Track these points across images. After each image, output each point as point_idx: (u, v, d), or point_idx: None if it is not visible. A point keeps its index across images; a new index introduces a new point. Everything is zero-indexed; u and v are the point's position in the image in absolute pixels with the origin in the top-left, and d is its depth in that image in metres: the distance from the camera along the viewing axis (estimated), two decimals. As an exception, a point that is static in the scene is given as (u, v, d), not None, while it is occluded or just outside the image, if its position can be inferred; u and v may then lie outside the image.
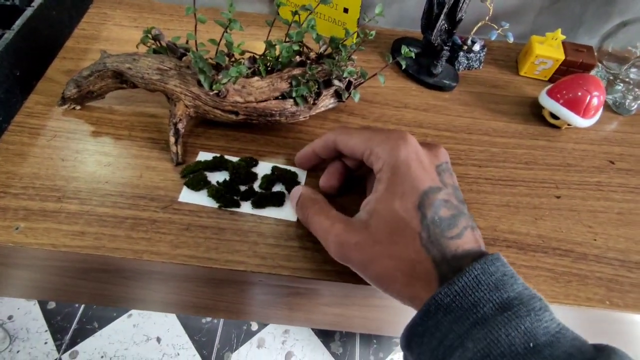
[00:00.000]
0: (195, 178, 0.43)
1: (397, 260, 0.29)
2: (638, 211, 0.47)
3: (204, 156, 0.46)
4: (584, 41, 0.66)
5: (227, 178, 0.44)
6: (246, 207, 0.42)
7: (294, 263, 0.39)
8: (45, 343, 1.27)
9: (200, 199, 0.42)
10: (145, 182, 0.43)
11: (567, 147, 0.53)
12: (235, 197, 0.42)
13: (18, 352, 1.24)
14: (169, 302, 0.58)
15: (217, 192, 0.42)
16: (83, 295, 0.55)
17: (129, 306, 0.61)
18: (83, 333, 1.28)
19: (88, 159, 0.44)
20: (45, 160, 0.44)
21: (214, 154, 0.46)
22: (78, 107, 0.48)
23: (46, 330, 1.30)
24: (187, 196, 0.42)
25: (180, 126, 0.44)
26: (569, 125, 0.53)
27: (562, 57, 0.58)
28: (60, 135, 0.46)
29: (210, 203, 0.42)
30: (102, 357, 1.25)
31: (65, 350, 1.25)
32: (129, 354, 1.26)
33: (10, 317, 1.30)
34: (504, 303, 0.25)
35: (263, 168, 0.46)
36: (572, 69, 0.59)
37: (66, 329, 1.30)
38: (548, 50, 0.58)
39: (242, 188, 0.44)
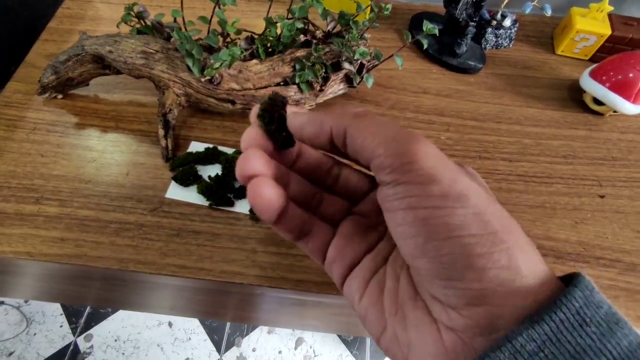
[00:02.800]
0: (184, 172, 0.38)
1: None
2: (696, 213, 0.41)
3: (196, 147, 0.41)
4: (635, 12, 0.58)
5: (220, 172, 0.39)
6: (241, 206, 0.37)
7: (297, 275, 0.34)
8: (61, 326, 1.29)
9: (189, 195, 0.38)
10: (132, 181, 0.39)
11: (611, 137, 0.47)
12: (228, 195, 0.38)
13: (35, 334, 1.26)
14: (170, 307, 0.55)
15: (207, 189, 0.37)
16: (80, 299, 0.52)
17: (128, 309, 0.58)
18: (97, 317, 1.29)
19: (70, 154, 0.40)
20: (22, 157, 0.39)
21: (207, 145, 0.41)
22: (60, 96, 0.43)
23: (61, 314, 1.31)
24: (175, 192, 0.38)
25: (170, 117, 0.39)
26: (614, 112, 0.46)
27: (608, 32, 0.50)
28: (40, 127, 0.42)
29: (200, 200, 0.37)
30: (115, 340, 1.26)
31: (80, 334, 1.27)
32: (142, 337, 1.26)
33: (26, 301, 1.32)
34: (628, 355, 0.16)
35: (264, 163, 0.41)
36: (619, 45, 0.51)
37: (80, 312, 1.31)
38: (591, 24, 0.51)
39: (237, 184, 0.39)
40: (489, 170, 0.43)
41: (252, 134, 0.21)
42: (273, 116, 0.20)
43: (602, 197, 0.42)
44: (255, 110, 0.21)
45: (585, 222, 0.40)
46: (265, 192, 0.19)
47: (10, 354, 1.19)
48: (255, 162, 0.20)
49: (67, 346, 1.24)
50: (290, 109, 0.21)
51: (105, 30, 0.51)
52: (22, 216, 0.36)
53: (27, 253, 0.34)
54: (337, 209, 0.24)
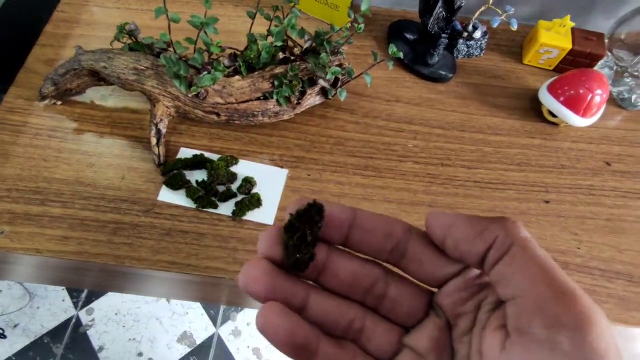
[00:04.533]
0: (174, 177, 0.43)
1: None
2: (627, 217, 0.46)
3: (185, 153, 0.45)
4: (597, 25, 0.61)
5: (206, 178, 0.43)
6: (224, 209, 0.42)
7: (271, 270, 0.40)
8: (63, 300, 1.36)
9: (179, 198, 0.43)
10: (128, 185, 0.43)
11: (563, 146, 0.51)
12: (212, 198, 0.42)
13: (38, 307, 1.33)
14: (164, 292, 0.61)
15: (194, 193, 0.42)
16: (83, 284, 0.58)
17: (128, 293, 0.64)
18: (97, 292, 1.36)
19: (70, 158, 0.44)
20: (27, 161, 0.44)
21: (195, 152, 0.45)
22: (59, 103, 0.47)
23: (63, 289, 1.38)
24: (166, 195, 0.43)
25: (161, 126, 0.43)
26: (566, 123, 0.51)
27: (568, 46, 0.54)
28: (42, 133, 0.46)
29: (188, 203, 0.42)
30: (115, 314, 1.33)
31: (81, 307, 1.34)
32: (141, 312, 1.34)
33: (27, 277, 1.39)
34: None
35: (244, 167, 0.45)
36: (579, 58, 0.55)
37: (81, 288, 1.38)
38: (554, 38, 0.54)
39: (221, 188, 0.43)
40: (450, 176, 0.48)
41: (265, 241, 0.18)
42: (297, 232, 0.17)
43: (547, 202, 0.47)
44: (289, 208, 0.18)
45: (529, 225, 0.45)
46: (265, 319, 0.16)
47: (15, 325, 1.26)
48: (254, 280, 0.17)
49: (70, 319, 1.30)
50: (332, 220, 0.18)
51: (99, 34, 0.54)
52: (30, 216, 0.40)
53: (35, 250, 0.39)
54: (386, 340, 0.18)
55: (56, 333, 1.27)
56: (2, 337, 1.19)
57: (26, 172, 0.43)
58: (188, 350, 1.22)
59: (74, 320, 1.31)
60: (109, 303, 1.37)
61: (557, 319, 0.14)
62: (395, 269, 0.19)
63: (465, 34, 0.55)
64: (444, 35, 0.53)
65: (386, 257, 0.18)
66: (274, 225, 0.19)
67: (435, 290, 0.19)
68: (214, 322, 1.26)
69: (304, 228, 0.17)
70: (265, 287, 0.17)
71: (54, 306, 1.36)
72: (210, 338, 1.24)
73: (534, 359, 0.14)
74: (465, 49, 0.57)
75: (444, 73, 0.55)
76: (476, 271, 0.18)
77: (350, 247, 0.19)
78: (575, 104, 0.48)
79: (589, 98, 0.47)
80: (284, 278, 0.17)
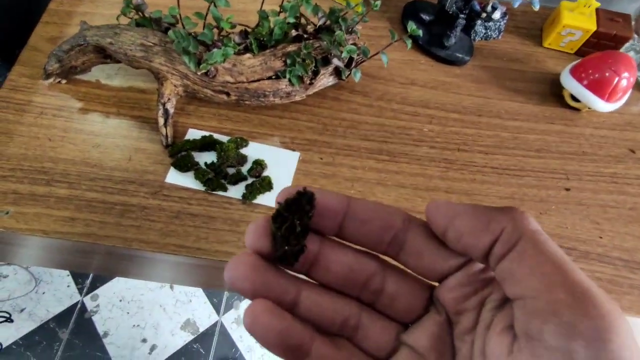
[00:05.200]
0: (182, 159, 0.42)
1: None
2: (652, 207, 0.45)
3: (193, 134, 0.44)
4: (623, 6, 0.59)
5: (215, 160, 0.42)
6: (234, 192, 0.41)
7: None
8: (68, 286, 1.36)
9: (187, 180, 0.41)
10: (135, 166, 0.42)
11: (584, 132, 0.49)
12: (222, 181, 0.41)
13: (44, 293, 1.34)
14: (169, 278, 0.60)
15: (203, 175, 0.41)
16: (89, 268, 0.57)
17: (130, 277, 0.63)
18: (101, 279, 1.36)
19: (76, 138, 0.43)
20: (32, 140, 0.42)
21: (204, 133, 0.44)
22: (64, 81, 0.46)
23: (68, 275, 1.39)
24: (174, 177, 0.41)
25: (169, 106, 0.42)
26: (589, 108, 0.49)
27: (593, 27, 0.52)
28: (47, 112, 0.44)
29: (197, 185, 0.41)
30: (120, 300, 1.34)
31: (86, 293, 1.35)
32: (145, 298, 1.34)
33: (33, 263, 1.39)
34: None
35: (254, 149, 0.44)
36: (604, 41, 0.53)
37: (86, 274, 1.39)
38: (578, 19, 0.52)
39: (231, 171, 0.42)
40: (466, 162, 0.46)
41: (253, 233, 0.16)
42: (286, 222, 0.16)
43: (567, 190, 0.45)
44: (278, 197, 0.16)
45: (549, 213, 0.44)
46: (253, 319, 0.15)
47: (22, 310, 1.27)
48: (241, 276, 0.15)
49: (75, 305, 1.31)
50: (322, 209, 0.16)
51: (104, 12, 0.53)
52: (36, 197, 0.39)
53: (42, 231, 0.38)
54: (383, 338, 0.17)
55: (61, 318, 1.28)
56: (9, 321, 1.20)
57: (31, 151, 0.42)
58: (191, 337, 1.23)
59: (79, 305, 1.32)
60: (113, 290, 1.38)
61: (573, 326, 0.12)
62: (393, 262, 0.18)
63: (484, 14, 0.53)
64: (461, 16, 0.51)
65: (384, 249, 0.17)
66: (262, 216, 0.16)
67: (435, 284, 0.17)
68: (217, 310, 1.27)
69: (293, 218, 0.16)
70: (253, 284, 0.15)
71: (59, 292, 1.37)
72: (214, 326, 1.24)
73: None
74: (483, 31, 0.55)
75: (460, 56, 0.53)
76: (480, 265, 0.17)
77: (344, 239, 0.17)
78: (600, 88, 0.46)
79: (615, 82, 0.45)
80: (273, 273, 0.16)
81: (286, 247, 0.16)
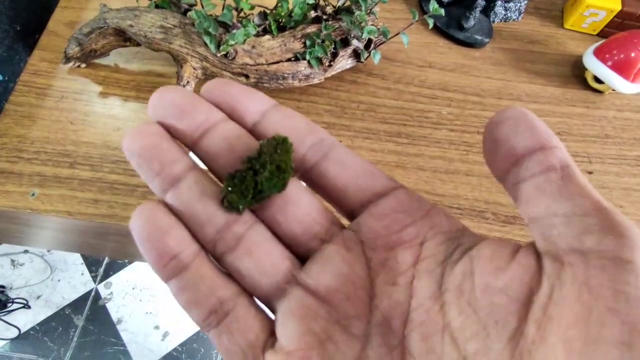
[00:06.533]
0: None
1: None
2: (677, 190, 0.44)
3: (214, 120, 0.44)
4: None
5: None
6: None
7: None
8: (82, 274, 1.39)
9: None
10: (155, 149, 0.42)
11: (607, 115, 0.48)
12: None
13: (59, 281, 1.36)
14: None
15: None
16: (105, 251, 0.58)
17: (145, 261, 0.64)
18: (115, 267, 1.38)
19: (96, 122, 0.43)
20: (54, 124, 0.43)
21: (224, 118, 0.44)
22: (83, 65, 0.46)
23: (82, 263, 1.41)
24: (194, 159, 0.41)
25: (188, 89, 0.42)
26: (613, 90, 0.48)
27: (617, 7, 0.50)
28: (68, 96, 0.45)
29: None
30: (133, 288, 1.36)
31: (100, 281, 1.37)
32: (157, 286, 1.37)
33: (49, 250, 1.42)
34: None
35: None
36: (629, 22, 0.51)
37: (99, 262, 1.41)
38: (602, -1, 0.51)
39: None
40: (486, 145, 0.46)
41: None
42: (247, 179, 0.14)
43: (590, 173, 0.45)
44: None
45: (570, 196, 0.43)
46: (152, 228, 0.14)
47: (38, 297, 1.29)
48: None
49: (89, 292, 1.33)
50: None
51: (120, -3, 0.53)
52: (60, 179, 0.40)
53: (67, 212, 0.38)
54: (273, 271, 0.14)
55: (76, 305, 1.30)
56: (26, 307, 1.22)
57: (53, 135, 0.42)
58: (205, 324, 1.25)
59: (93, 293, 1.34)
60: (127, 277, 1.40)
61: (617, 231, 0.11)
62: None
63: (505, -5, 0.52)
64: (482, -4, 0.50)
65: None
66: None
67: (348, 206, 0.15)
68: (229, 299, 1.28)
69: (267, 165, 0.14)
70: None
71: (73, 279, 1.40)
72: (227, 313, 1.26)
73: (605, 278, 0.10)
74: (503, 12, 0.54)
75: (479, 38, 0.52)
76: (409, 193, 0.14)
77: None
78: (625, 69, 0.45)
79: (640, 62, 0.44)
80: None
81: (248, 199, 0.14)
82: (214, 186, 0.15)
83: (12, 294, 1.24)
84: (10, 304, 1.19)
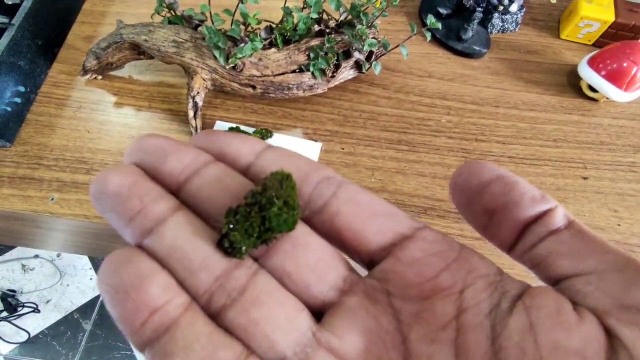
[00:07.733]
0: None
1: None
2: (671, 195, 0.45)
3: (221, 126, 0.46)
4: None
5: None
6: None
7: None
8: (90, 279, 1.41)
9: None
10: (167, 156, 0.44)
11: (602, 122, 0.50)
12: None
13: (68, 285, 1.39)
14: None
15: None
16: (105, 253, 0.60)
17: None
18: (122, 272, 1.41)
19: (112, 130, 0.46)
20: (72, 132, 0.45)
21: (231, 125, 0.46)
22: (99, 77, 0.49)
23: (90, 268, 1.44)
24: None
25: (198, 99, 0.44)
26: (607, 98, 0.49)
27: (611, 18, 0.52)
28: (85, 106, 0.47)
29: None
30: (140, 293, 1.38)
31: (108, 286, 1.39)
32: (164, 292, 1.39)
33: (58, 255, 1.45)
34: None
35: (278, 140, 0.46)
36: (622, 32, 0.53)
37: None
38: (596, 10, 0.52)
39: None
40: (484, 152, 0.47)
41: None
42: (251, 216, 0.12)
43: (585, 179, 0.46)
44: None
45: (566, 201, 0.44)
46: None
47: (48, 301, 1.31)
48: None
49: (97, 297, 1.35)
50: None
51: (135, 11, 0.55)
52: (77, 184, 0.42)
53: (84, 216, 0.40)
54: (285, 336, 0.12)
55: (85, 310, 1.32)
56: (36, 312, 1.25)
57: (71, 142, 0.45)
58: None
59: (101, 298, 1.36)
60: (134, 283, 1.42)
61: None
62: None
63: (501, 7, 0.54)
64: (479, 9, 0.52)
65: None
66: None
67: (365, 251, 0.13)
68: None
69: (272, 203, 0.12)
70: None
71: (82, 284, 1.42)
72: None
73: None
74: (500, 24, 0.56)
75: (477, 48, 0.54)
76: (440, 233, 0.13)
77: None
78: (618, 78, 0.47)
79: (633, 71, 0.46)
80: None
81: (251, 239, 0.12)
82: (207, 228, 0.12)
83: (22, 298, 1.27)
84: (20, 308, 1.22)
